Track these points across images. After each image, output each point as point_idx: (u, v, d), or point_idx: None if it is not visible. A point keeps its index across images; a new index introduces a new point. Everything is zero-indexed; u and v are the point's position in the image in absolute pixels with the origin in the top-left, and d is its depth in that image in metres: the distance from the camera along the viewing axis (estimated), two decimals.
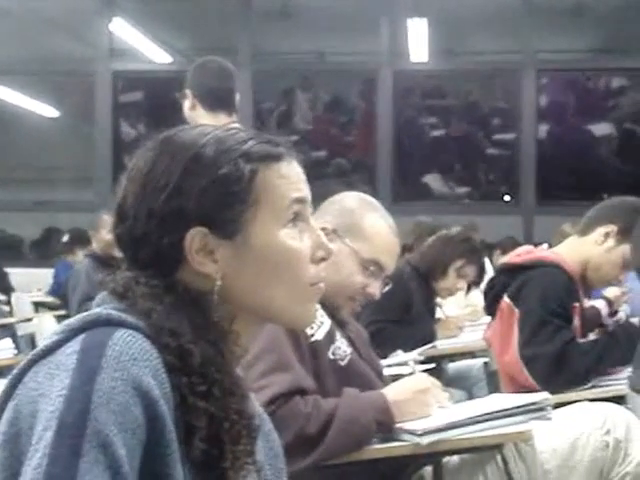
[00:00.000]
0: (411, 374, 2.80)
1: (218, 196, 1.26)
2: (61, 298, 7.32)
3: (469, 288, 4.83)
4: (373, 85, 10.65)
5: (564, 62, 10.83)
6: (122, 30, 10.36)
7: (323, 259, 1.33)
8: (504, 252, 7.51)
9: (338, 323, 2.42)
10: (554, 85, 11.06)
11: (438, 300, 4.86)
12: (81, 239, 7.95)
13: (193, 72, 3.99)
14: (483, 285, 4.74)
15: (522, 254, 3.48)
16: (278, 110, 11.23)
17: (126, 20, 10.28)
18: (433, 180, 10.83)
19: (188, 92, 3.93)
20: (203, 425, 1.17)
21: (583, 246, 3.37)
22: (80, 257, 7.64)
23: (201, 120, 3.90)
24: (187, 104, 3.94)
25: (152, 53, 10.67)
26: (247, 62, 10.55)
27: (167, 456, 1.13)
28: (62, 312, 6.61)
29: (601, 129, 10.71)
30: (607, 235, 3.33)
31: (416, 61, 10.45)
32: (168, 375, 1.16)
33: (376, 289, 2.45)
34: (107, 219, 6.39)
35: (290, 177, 1.31)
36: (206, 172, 1.26)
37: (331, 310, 2.37)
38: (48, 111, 11.44)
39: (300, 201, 1.31)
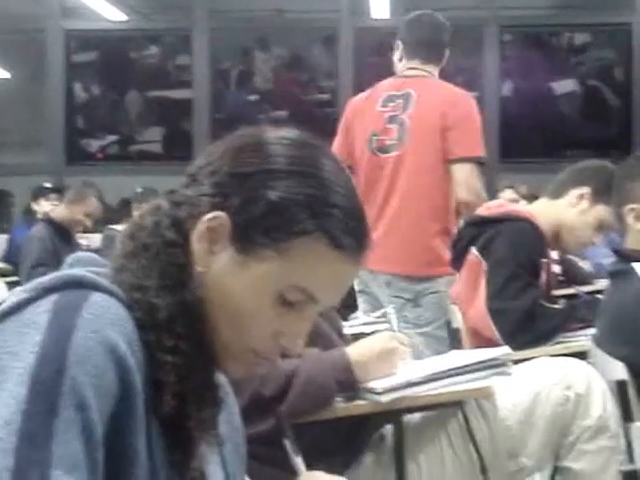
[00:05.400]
0: (387, 330, 2.81)
1: (260, 215, 1.21)
2: (14, 264, 7.26)
3: None
4: (333, 43, 10.62)
5: (527, 18, 10.84)
6: None
7: (284, 350, 1.26)
8: None
9: None
10: (517, 42, 11.08)
11: None
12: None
13: (406, 25, 4.31)
14: None
15: (492, 207, 3.50)
16: (237, 70, 11.17)
17: None
18: None
19: (398, 43, 4.25)
20: (172, 380, 1.17)
21: (556, 209, 3.40)
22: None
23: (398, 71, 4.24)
24: (396, 55, 4.28)
25: (106, 11, 10.54)
26: (203, 21, 10.49)
27: (134, 425, 1.12)
28: (14, 278, 6.56)
29: (564, 86, 10.75)
30: (581, 197, 3.37)
31: (377, 17, 10.43)
32: (140, 336, 1.15)
33: None
34: (93, 203, 6.32)
35: (326, 273, 1.23)
36: (275, 188, 1.22)
37: None
38: None
39: (312, 299, 1.24)
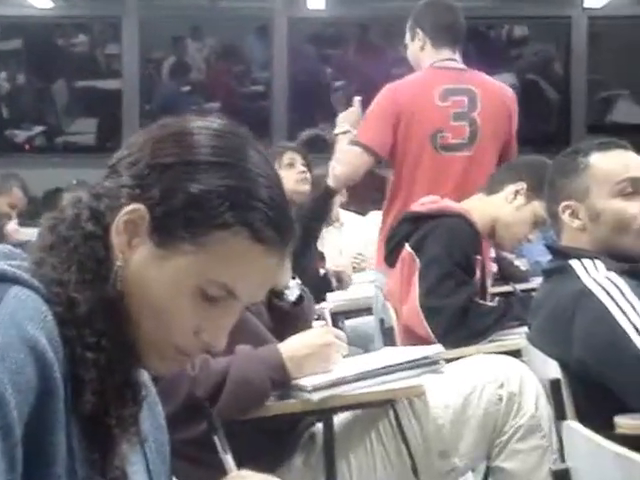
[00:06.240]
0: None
1: (180, 208, 1.20)
2: None
3: None
4: (268, 33, 10.60)
5: (464, 10, 10.87)
6: None
7: (206, 346, 1.25)
8: None
9: None
10: None
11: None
12: None
13: (423, 10, 4.22)
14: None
15: (426, 203, 3.51)
16: (168, 60, 11.09)
17: None
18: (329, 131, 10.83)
19: (418, 31, 4.12)
20: (93, 377, 1.16)
21: (491, 204, 3.44)
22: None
23: (426, 60, 4.07)
24: (416, 45, 4.13)
25: None
26: (133, 8, 10.40)
27: (53, 422, 1.11)
28: None
29: (503, 80, 10.78)
30: (517, 193, 3.41)
31: (313, 8, 10.42)
32: (60, 332, 1.14)
33: None
34: (17, 193, 6.27)
35: (248, 267, 1.22)
36: (196, 180, 1.20)
37: None
38: None
39: (232, 294, 1.22)
